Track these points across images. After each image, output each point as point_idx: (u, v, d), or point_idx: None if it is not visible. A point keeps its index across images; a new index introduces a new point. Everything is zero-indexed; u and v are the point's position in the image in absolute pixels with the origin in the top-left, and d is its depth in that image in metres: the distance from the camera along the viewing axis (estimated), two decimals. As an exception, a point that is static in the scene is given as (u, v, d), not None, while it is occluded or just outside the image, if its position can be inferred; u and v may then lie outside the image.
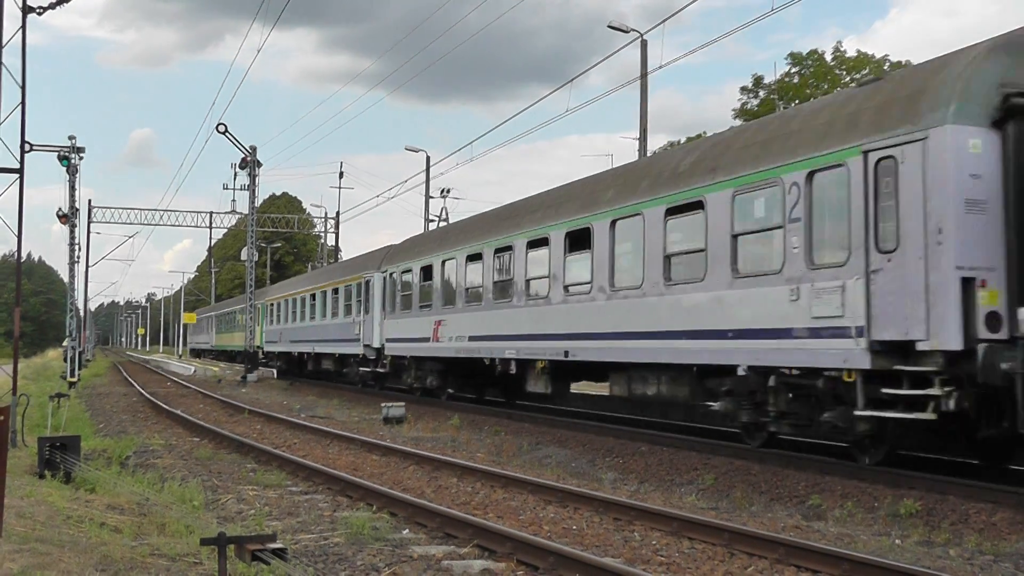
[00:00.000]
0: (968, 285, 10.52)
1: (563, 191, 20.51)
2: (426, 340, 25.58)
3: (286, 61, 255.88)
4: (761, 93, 58.82)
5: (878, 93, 12.11)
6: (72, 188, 40.84)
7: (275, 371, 45.75)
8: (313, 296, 38.84)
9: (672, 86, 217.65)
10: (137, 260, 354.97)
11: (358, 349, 31.54)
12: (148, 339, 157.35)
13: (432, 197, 53.14)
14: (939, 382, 10.67)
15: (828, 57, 57.46)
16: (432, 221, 52.75)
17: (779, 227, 12.83)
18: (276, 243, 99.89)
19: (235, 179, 54.68)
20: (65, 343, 42.52)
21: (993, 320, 10.51)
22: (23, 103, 17.14)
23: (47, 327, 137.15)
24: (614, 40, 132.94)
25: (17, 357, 17.62)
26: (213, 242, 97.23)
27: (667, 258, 15.31)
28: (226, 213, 64.26)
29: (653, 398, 16.76)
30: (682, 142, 63.08)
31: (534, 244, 19.97)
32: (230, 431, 19.47)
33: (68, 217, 42.22)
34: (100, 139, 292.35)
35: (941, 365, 10.66)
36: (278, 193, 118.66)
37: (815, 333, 12.22)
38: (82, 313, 58.11)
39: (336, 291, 35.02)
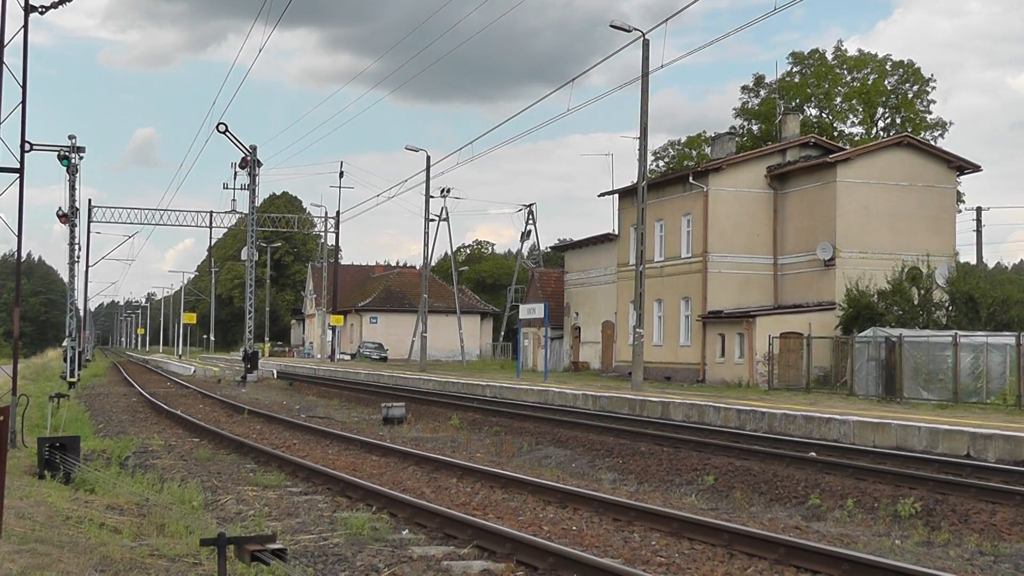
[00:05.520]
0: None
1: None
2: None
3: (287, 61, 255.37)
4: (762, 92, 58.85)
5: None
6: (72, 188, 40.79)
7: (274, 371, 45.73)
8: None
9: (674, 86, 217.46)
10: (137, 260, 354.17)
11: None
12: (148, 339, 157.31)
13: (432, 197, 53.20)
14: None
15: (829, 56, 57.50)
16: (432, 221, 52.78)
17: None
18: (276, 243, 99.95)
19: (235, 179, 54.64)
20: (65, 343, 42.45)
21: None
22: (23, 102, 17.12)
23: (47, 327, 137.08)
24: (615, 40, 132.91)
25: (17, 357, 17.60)
26: (213, 242, 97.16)
27: None
28: (226, 213, 64.32)
29: None
30: (682, 142, 63.21)
31: None
32: (230, 432, 19.46)
33: (68, 217, 42.17)
34: (103, 139, 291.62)
35: None
36: (278, 193, 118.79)
37: None
38: (82, 313, 58.09)
39: None
